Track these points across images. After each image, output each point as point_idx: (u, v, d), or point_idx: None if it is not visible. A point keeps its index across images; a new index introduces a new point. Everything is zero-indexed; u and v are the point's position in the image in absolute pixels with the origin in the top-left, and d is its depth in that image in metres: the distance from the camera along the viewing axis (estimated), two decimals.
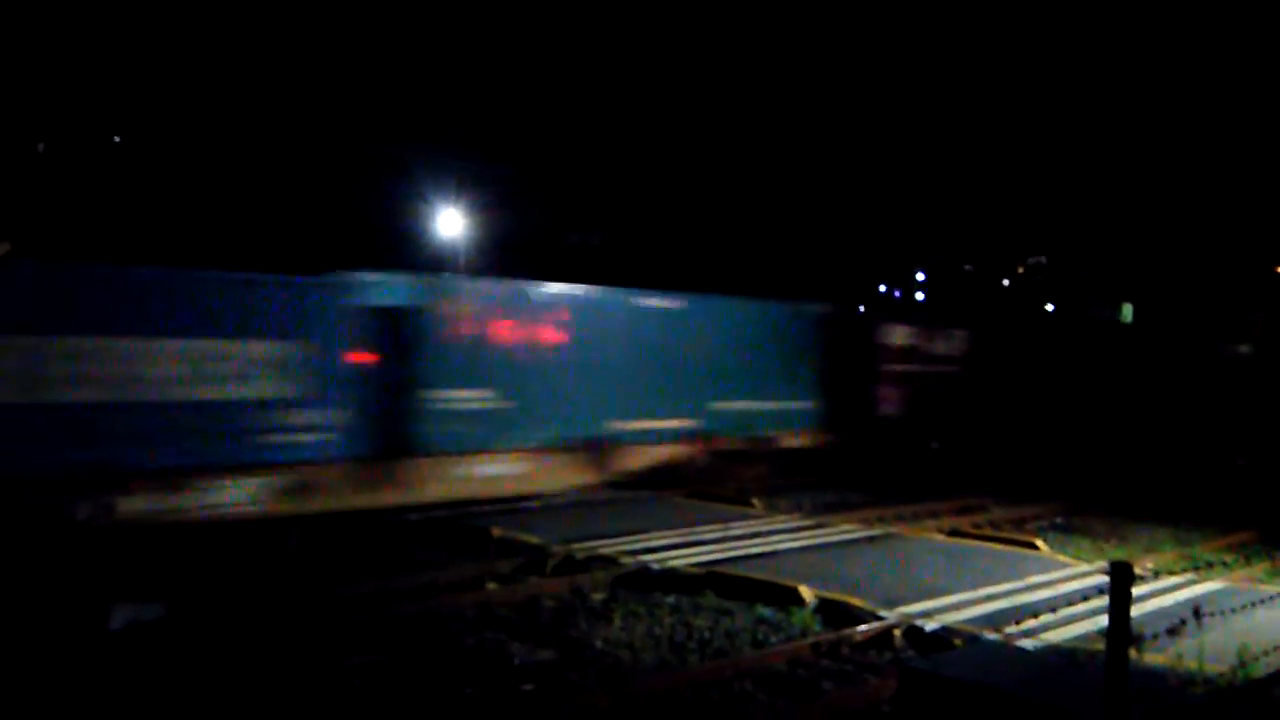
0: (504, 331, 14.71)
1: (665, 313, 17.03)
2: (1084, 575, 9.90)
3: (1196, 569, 8.58)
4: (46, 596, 8.57)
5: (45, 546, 10.19)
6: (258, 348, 12.41)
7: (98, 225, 27.74)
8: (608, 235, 37.53)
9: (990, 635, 7.53)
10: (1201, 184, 40.77)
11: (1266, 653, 6.38)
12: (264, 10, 33.59)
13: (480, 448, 14.32)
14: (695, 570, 9.74)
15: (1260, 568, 11.30)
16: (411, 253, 28.64)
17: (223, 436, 12.09)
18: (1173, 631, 5.26)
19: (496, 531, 11.57)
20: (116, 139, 30.14)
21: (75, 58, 29.03)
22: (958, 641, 7.59)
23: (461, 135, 32.80)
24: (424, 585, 9.30)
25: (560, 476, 14.93)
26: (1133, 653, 4.81)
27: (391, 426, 13.52)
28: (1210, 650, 6.48)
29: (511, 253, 31.27)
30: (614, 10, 43.37)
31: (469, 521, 12.15)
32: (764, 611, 8.67)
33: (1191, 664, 6.40)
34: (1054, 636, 7.36)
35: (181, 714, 6.22)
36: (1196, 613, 5.20)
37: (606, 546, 10.80)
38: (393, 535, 11.85)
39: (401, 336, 13.63)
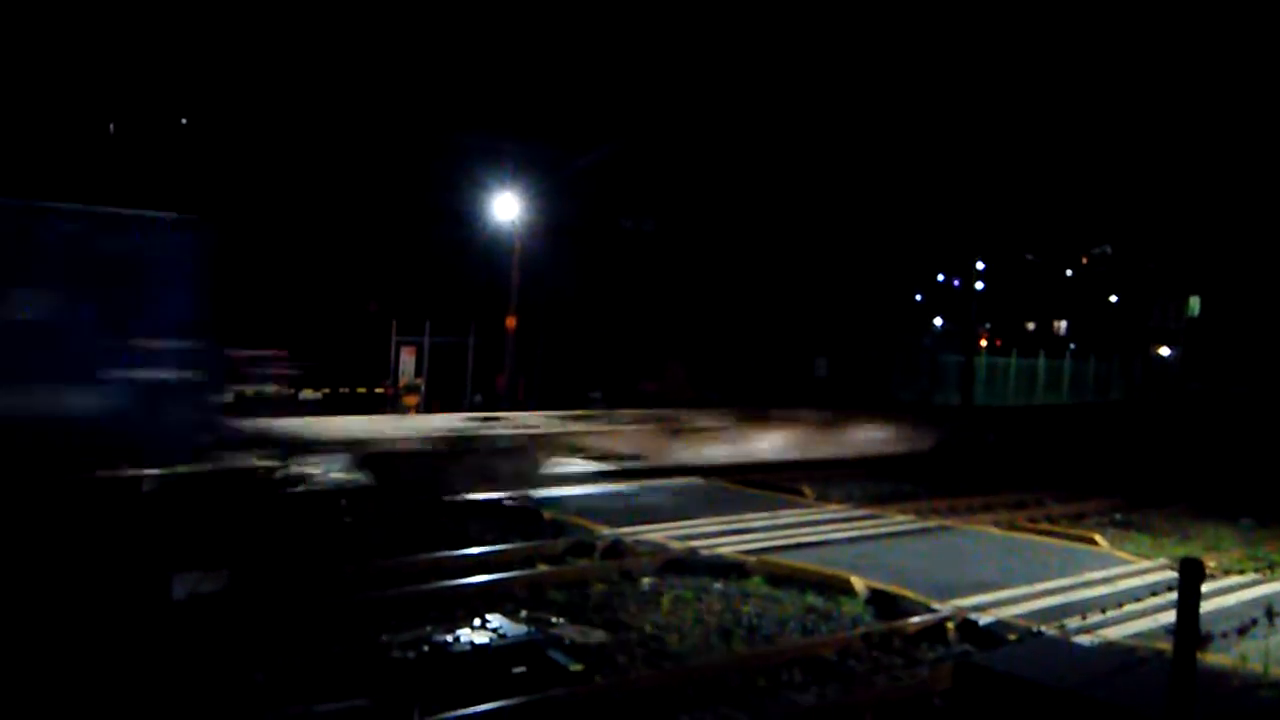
0: None
1: None
2: (1144, 572, 9.67)
3: (1269, 568, 8.32)
4: (111, 564, 8.81)
5: (110, 513, 10.50)
6: None
7: (164, 206, 28.36)
8: (661, 222, 37.41)
9: (1048, 631, 7.39)
10: (1274, 174, 39.36)
11: None
12: None
13: None
14: (744, 557, 9.70)
15: None
16: (467, 235, 28.88)
17: None
18: (1242, 631, 5.09)
19: (548, 514, 11.65)
20: (184, 121, 30.80)
21: (146, 39, 29.69)
22: (1013, 636, 7.45)
23: (518, 119, 32.92)
24: (476, 562, 9.39)
25: None
26: (1196, 653, 4.67)
27: None
28: (1277, 653, 6.28)
29: (565, 237, 31.35)
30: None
31: (521, 503, 12.25)
32: (814, 600, 8.61)
33: (1256, 666, 6.20)
34: (1112, 633, 7.19)
35: (227, 675, 6.38)
36: (1270, 614, 5.03)
37: (655, 531, 10.79)
38: (446, 513, 11.98)
39: None
